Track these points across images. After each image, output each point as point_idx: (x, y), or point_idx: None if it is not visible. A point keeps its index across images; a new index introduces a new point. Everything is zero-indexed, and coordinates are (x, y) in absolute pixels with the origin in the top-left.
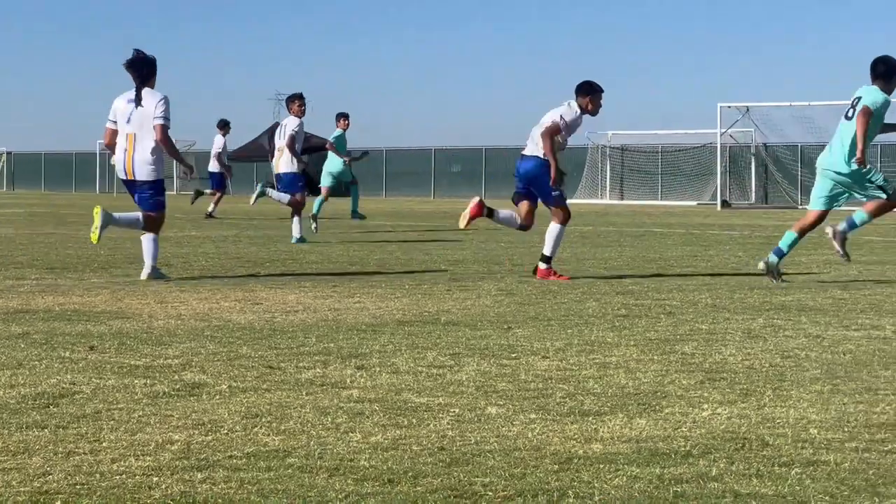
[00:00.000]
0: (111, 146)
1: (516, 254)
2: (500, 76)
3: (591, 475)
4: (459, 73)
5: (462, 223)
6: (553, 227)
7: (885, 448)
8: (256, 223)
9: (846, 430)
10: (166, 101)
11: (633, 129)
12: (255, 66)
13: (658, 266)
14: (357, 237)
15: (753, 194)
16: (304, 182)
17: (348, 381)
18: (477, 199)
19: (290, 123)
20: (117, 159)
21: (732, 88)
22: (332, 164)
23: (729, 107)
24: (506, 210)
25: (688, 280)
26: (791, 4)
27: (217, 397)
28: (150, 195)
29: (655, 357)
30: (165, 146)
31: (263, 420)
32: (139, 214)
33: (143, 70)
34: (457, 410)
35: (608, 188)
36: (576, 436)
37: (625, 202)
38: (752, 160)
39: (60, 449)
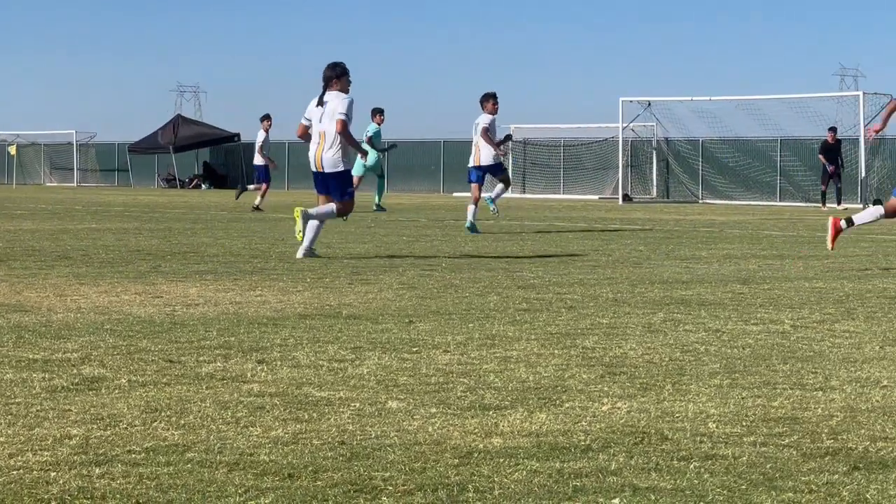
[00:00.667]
0: (302, 137)
1: (418, 248)
2: (407, 70)
3: (490, 469)
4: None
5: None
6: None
7: (783, 442)
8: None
9: (744, 424)
10: (349, 101)
11: (535, 123)
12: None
13: (559, 260)
14: (258, 230)
15: (655, 189)
16: (504, 169)
17: (249, 374)
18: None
19: (482, 120)
20: (311, 154)
21: (634, 83)
22: (368, 156)
23: (630, 101)
24: None
25: (589, 274)
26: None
27: (116, 391)
28: (339, 185)
29: (556, 351)
30: (344, 137)
31: (163, 414)
32: (332, 206)
33: (327, 74)
34: (357, 405)
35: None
36: (476, 430)
37: (527, 196)
38: (654, 154)
39: None
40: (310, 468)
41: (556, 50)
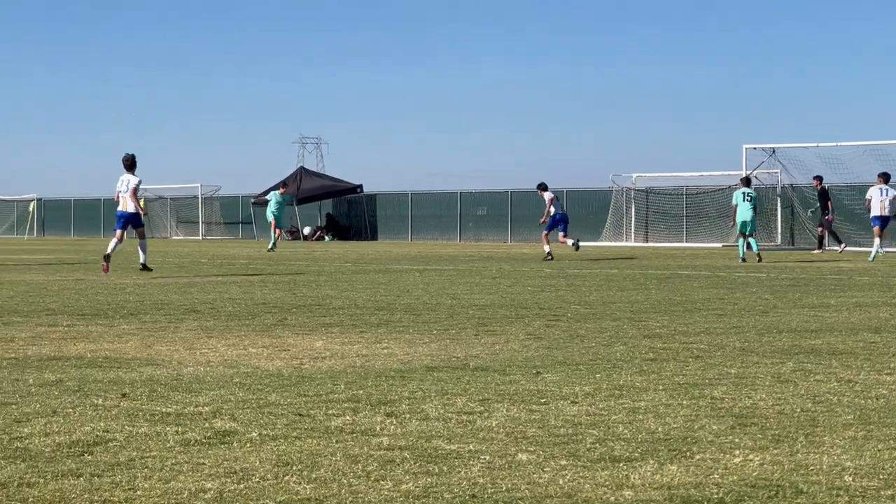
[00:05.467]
0: None
1: (543, 298)
2: (525, 119)
3: None
4: (483, 116)
5: None
6: None
7: None
8: (283, 267)
9: (881, 476)
10: None
11: (657, 172)
12: (279, 110)
13: (684, 309)
14: (383, 281)
15: (779, 236)
16: None
17: (378, 428)
18: None
19: None
20: None
21: (757, 130)
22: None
23: (755, 148)
24: None
25: (715, 323)
26: (817, 45)
27: (248, 445)
28: None
29: (685, 401)
30: None
31: (294, 468)
32: None
33: None
34: (487, 457)
35: (633, 231)
36: (607, 482)
37: (650, 244)
38: (778, 201)
39: (96, 497)
40: None
41: (678, 97)
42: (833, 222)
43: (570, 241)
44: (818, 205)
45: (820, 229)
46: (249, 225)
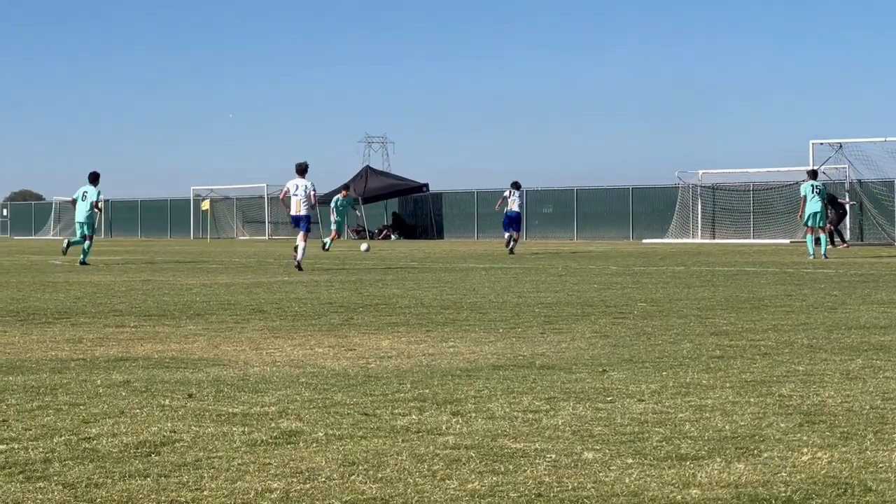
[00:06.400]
0: None
1: (609, 296)
2: (591, 116)
3: None
4: (548, 113)
5: None
6: None
7: None
8: (348, 268)
9: None
10: None
11: (723, 168)
12: (345, 109)
13: (752, 306)
14: (449, 280)
15: (848, 231)
16: None
17: (444, 427)
18: None
19: None
20: None
21: (824, 125)
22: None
23: (821, 143)
24: None
25: (782, 320)
26: (882, 37)
27: (314, 445)
28: None
29: (752, 399)
30: None
31: (360, 468)
32: None
33: None
34: (553, 456)
35: (700, 227)
36: (673, 481)
37: (717, 241)
38: (847, 196)
39: (163, 498)
40: None
41: (744, 93)
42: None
43: (507, 236)
44: (851, 202)
45: (829, 227)
46: (316, 224)
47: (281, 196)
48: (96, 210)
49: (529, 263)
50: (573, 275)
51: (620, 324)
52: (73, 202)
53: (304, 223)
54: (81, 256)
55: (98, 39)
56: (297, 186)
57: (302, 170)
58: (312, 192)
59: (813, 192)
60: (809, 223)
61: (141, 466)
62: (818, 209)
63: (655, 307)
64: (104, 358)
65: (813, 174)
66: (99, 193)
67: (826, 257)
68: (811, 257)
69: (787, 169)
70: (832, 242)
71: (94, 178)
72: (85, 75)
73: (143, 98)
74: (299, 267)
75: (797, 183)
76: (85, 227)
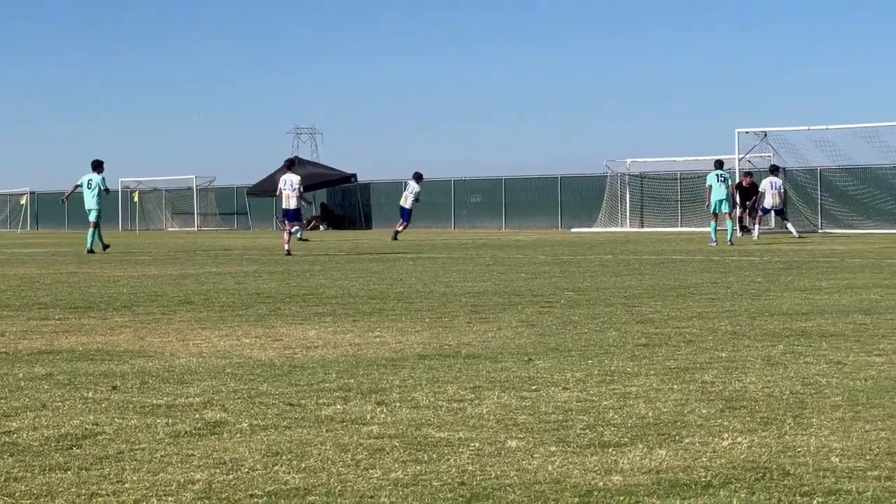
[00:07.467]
0: None
1: (536, 285)
2: (519, 107)
3: None
4: (476, 104)
5: None
6: None
7: None
8: (276, 258)
9: (868, 458)
10: None
11: (651, 157)
12: (274, 100)
13: (678, 293)
14: (376, 270)
15: (773, 219)
16: None
17: (368, 416)
18: None
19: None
20: None
21: (750, 114)
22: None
23: (746, 132)
24: None
25: (707, 307)
26: (806, 29)
27: (238, 436)
28: None
29: (675, 386)
30: None
31: (284, 458)
32: None
33: None
34: (477, 444)
35: (628, 216)
36: (596, 468)
37: (645, 229)
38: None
39: (83, 491)
40: None
41: (672, 82)
42: (745, 216)
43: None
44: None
45: (741, 213)
46: (244, 216)
47: (277, 192)
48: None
49: (457, 253)
50: (501, 264)
51: (547, 313)
52: (75, 188)
53: (293, 215)
54: (90, 244)
55: (10, 29)
56: (285, 181)
57: (290, 164)
58: (300, 187)
59: (719, 181)
60: (715, 210)
61: (62, 460)
62: (723, 197)
63: (582, 296)
64: (27, 351)
65: (719, 164)
66: (104, 180)
67: (732, 243)
68: (713, 244)
69: (713, 157)
70: (742, 230)
71: (96, 166)
72: (6, 67)
73: (70, 89)
74: (289, 253)
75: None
76: (92, 214)
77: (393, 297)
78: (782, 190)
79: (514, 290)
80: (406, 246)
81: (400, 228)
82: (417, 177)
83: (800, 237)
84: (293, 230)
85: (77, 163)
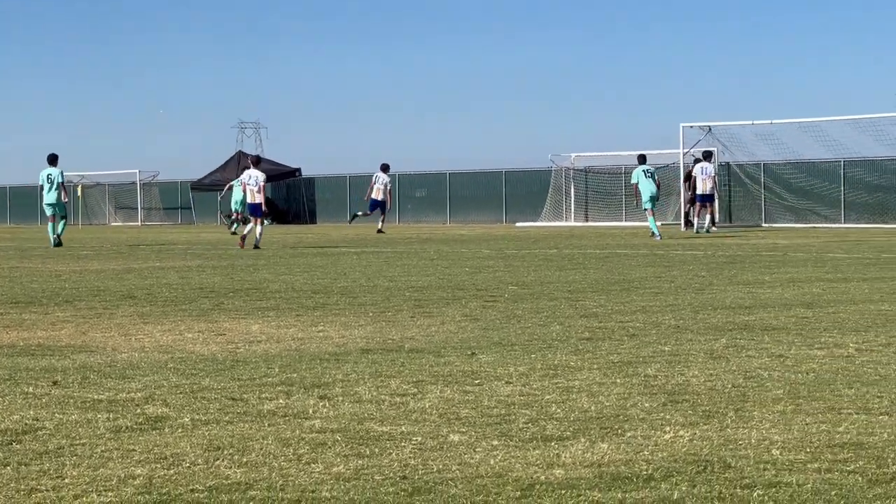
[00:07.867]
0: None
1: (480, 279)
2: (463, 101)
3: (552, 501)
4: (420, 98)
5: None
6: None
7: (848, 468)
8: (221, 252)
9: (809, 450)
10: None
11: (596, 151)
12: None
13: (621, 288)
14: (320, 264)
15: (718, 214)
16: None
17: (311, 411)
18: None
19: None
20: None
21: (694, 108)
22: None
23: (691, 126)
24: None
25: (651, 301)
26: (749, 23)
27: (179, 430)
28: None
29: (618, 380)
30: None
31: (225, 452)
32: None
33: None
34: (419, 439)
35: (573, 210)
36: (538, 461)
37: (590, 224)
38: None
39: (23, 486)
40: None
41: (616, 76)
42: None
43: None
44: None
45: (687, 207)
46: (188, 210)
47: (242, 187)
48: (65, 191)
49: (402, 247)
50: (445, 258)
51: (491, 307)
52: (41, 188)
53: (258, 210)
54: (54, 237)
55: None
56: (250, 177)
57: (256, 161)
58: (263, 183)
59: (646, 176)
60: (649, 206)
61: (1, 455)
62: (654, 191)
63: (526, 290)
64: None
65: (642, 159)
66: (62, 173)
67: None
68: (657, 238)
69: (658, 152)
70: (686, 224)
71: (52, 160)
72: None
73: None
74: (257, 246)
75: (667, 166)
76: (55, 208)
77: (336, 291)
78: (713, 175)
79: (457, 285)
80: (350, 240)
81: (381, 224)
82: (385, 168)
83: (707, 231)
84: (234, 228)
85: (19, 157)
